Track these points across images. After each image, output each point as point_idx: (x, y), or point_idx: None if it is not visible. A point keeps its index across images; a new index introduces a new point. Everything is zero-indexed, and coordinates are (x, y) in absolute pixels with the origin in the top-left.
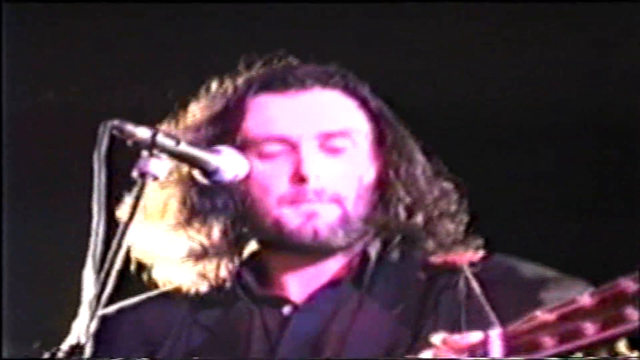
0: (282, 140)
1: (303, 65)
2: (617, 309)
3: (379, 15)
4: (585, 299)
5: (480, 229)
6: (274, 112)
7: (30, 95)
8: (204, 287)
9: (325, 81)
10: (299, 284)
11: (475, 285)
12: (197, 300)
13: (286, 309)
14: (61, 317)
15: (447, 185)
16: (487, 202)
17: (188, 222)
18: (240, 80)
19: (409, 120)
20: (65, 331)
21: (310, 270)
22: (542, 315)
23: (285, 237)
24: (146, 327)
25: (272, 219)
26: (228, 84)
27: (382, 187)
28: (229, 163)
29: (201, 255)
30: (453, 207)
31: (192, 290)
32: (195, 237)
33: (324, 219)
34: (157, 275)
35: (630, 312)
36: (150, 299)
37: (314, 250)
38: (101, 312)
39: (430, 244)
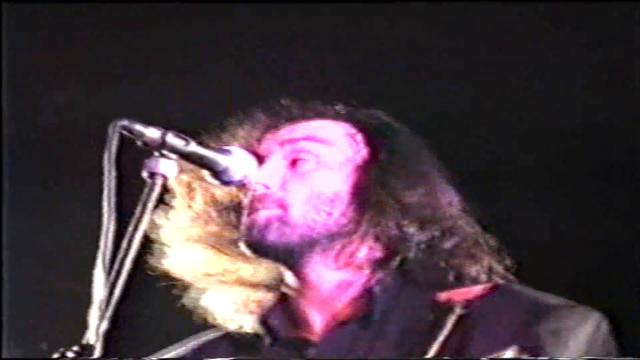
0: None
1: (302, 105)
2: None
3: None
4: None
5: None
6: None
7: (30, 94)
8: (244, 322)
9: (319, 114)
10: (319, 325)
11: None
12: (236, 343)
13: (311, 351)
14: (66, 318)
15: (458, 222)
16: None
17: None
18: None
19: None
20: (71, 332)
21: (328, 310)
22: None
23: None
24: None
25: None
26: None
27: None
28: (238, 163)
29: (246, 283)
30: (449, 245)
31: (232, 328)
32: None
33: (263, 214)
34: (196, 298)
35: None
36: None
37: (251, 246)
38: None
39: (450, 278)
